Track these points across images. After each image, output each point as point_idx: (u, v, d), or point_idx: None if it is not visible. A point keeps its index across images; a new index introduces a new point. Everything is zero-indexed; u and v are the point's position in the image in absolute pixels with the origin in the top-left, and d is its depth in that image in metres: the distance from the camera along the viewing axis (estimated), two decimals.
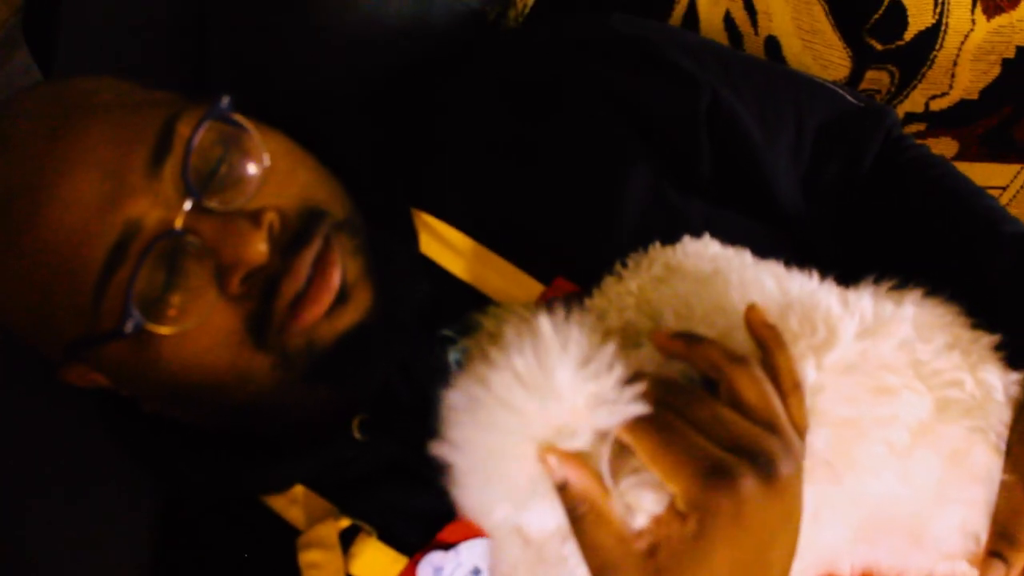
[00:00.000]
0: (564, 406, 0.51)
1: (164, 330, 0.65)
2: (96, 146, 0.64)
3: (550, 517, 0.53)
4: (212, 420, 0.74)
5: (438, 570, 0.69)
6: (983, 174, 1.09)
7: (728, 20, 1.00)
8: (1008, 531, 0.66)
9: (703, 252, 0.71)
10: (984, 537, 0.68)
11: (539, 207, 0.77)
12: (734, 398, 0.54)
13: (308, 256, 0.66)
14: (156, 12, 0.93)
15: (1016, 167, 1.10)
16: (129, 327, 0.64)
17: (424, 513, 0.70)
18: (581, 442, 0.52)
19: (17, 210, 0.64)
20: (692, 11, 0.98)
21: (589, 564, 0.52)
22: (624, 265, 0.71)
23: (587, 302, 0.71)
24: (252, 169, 0.66)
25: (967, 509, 0.67)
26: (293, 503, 0.73)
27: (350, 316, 0.67)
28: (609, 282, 0.71)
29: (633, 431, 0.52)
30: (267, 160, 0.67)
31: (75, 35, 0.92)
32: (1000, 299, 0.74)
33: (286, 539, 0.72)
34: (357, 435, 0.71)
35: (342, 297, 0.67)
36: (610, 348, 0.52)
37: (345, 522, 0.71)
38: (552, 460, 0.51)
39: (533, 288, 0.74)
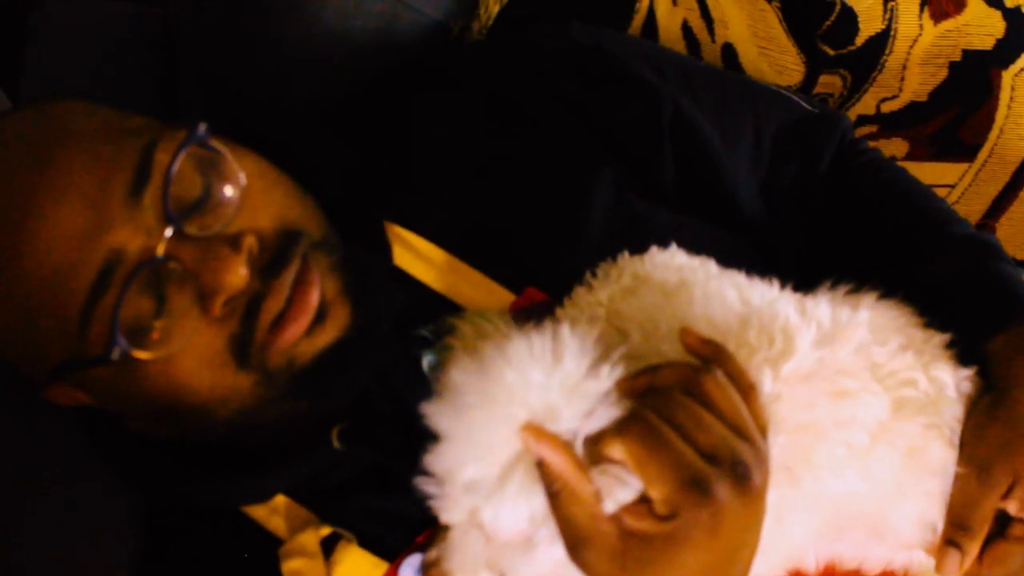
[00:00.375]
0: (553, 392, 0.55)
1: (149, 355, 0.66)
2: (77, 177, 0.65)
3: (521, 507, 0.56)
4: (195, 436, 0.75)
5: (419, 572, 0.71)
6: (933, 173, 1.12)
7: (686, 28, 1.02)
8: (962, 521, 0.70)
9: (670, 263, 0.73)
10: (940, 527, 0.72)
11: (508, 217, 0.79)
12: (707, 405, 0.56)
13: (287, 277, 0.67)
14: (122, 32, 0.94)
15: (964, 166, 1.14)
16: (116, 354, 0.65)
17: (404, 518, 0.72)
18: (563, 427, 0.55)
19: (4, 241, 0.65)
20: (651, 19, 1.01)
21: (564, 538, 0.55)
22: (594, 275, 0.74)
23: (558, 311, 0.73)
24: (229, 193, 0.68)
25: (924, 501, 0.71)
26: (274, 513, 0.74)
27: (329, 334, 0.69)
28: (579, 292, 0.73)
29: (622, 435, 0.54)
30: (243, 183, 0.68)
31: (42, 57, 0.92)
32: (950, 299, 0.78)
33: (268, 548, 0.73)
34: (336, 444, 0.73)
35: (320, 316, 0.68)
36: (612, 350, 0.56)
37: (326, 530, 0.72)
38: (532, 437, 0.54)
39: (504, 297, 0.76)
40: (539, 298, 0.75)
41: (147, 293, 0.65)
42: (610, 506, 0.55)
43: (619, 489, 0.55)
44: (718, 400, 0.57)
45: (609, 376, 0.56)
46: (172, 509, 0.78)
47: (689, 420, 0.55)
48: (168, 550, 0.78)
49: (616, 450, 0.54)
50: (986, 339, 0.75)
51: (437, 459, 0.58)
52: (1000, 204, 1.17)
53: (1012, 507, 0.70)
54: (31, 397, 0.73)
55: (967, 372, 0.72)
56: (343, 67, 0.88)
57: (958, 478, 0.70)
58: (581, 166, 0.80)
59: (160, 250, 0.65)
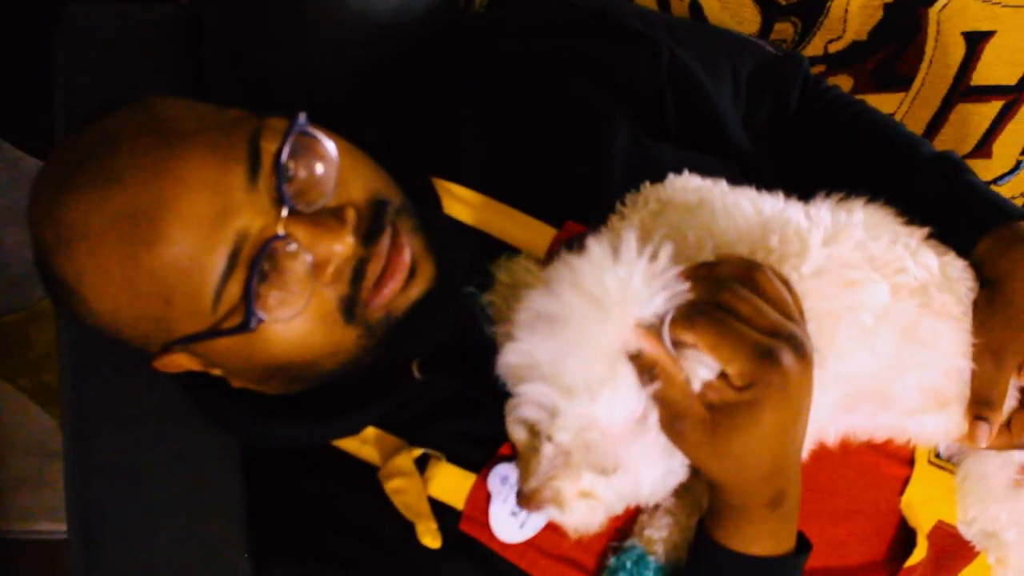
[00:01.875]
0: (638, 288, 0.63)
1: (277, 322, 0.74)
2: (198, 169, 0.72)
3: (631, 397, 0.65)
4: (300, 388, 0.83)
5: (504, 479, 0.81)
6: (875, 103, 1.23)
7: None
8: (984, 397, 0.81)
9: (687, 185, 0.84)
10: (944, 394, 0.83)
11: (540, 160, 0.88)
12: (762, 294, 0.67)
13: (385, 242, 0.76)
14: (146, 31, 1.00)
15: (901, 95, 1.28)
16: (254, 324, 0.73)
17: (483, 436, 0.82)
18: (650, 314, 0.64)
19: (139, 234, 0.71)
20: None
21: (662, 417, 0.65)
22: (623, 203, 0.84)
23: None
24: (323, 169, 0.76)
25: (921, 371, 0.82)
26: (365, 443, 0.84)
27: (419, 287, 0.78)
28: (614, 219, 0.83)
29: (693, 326, 0.64)
30: (336, 160, 0.76)
31: (72, 59, 0.97)
32: (932, 213, 0.86)
33: (363, 473, 0.83)
34: (417, 376, 0.82)
35: (412, 272, 0.78)
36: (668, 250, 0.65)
37: (417, 452, 0.82)
38: (632, 332, 0.63)
39: (547, 232, 0.86)
40: (578, 230, 0.85)
41: (270, 268, 0.73)
42: (696, 385, 0.65)
43: (701, 369, 0.65)
44: (770, 291, 0.67)
45: (675, 269, 0.65)
46: (267, 450, 0.87)
47: (750, 306, 0.65)
48: (272, 487, 0.86)
49: (689, 337, 0.64)
50: (972, 244, 0.86)
51: (541, 369, 0.65)
52: (934, 126, 1.32)
53: None
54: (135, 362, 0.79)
55: (949, 256, 0.84)
56: (367, 43, 0.96)
57: (976, 357, 0.81)
58: (599, 113, 0.90)
59: (279, 229, 0.73)
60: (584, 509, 0.70)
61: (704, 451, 0.67)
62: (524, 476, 0.71)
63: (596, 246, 0.65)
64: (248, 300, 0.73)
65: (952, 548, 0.90)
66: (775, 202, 0.81)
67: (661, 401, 0.65)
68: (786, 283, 0.71)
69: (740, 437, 0.66)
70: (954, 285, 0.83)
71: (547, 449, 0.68)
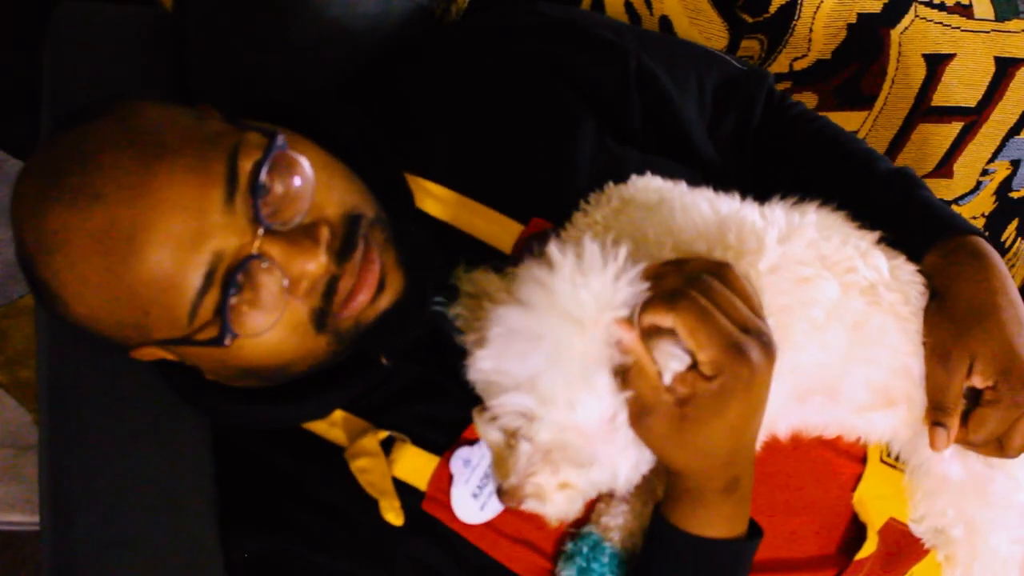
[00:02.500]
0: (604, 288, 0.67)
1: (250, 336, 0.78)
2: (178, 188, 0.74)
3: (604, 396, 0.68)
4: (268, 385, 0.86)
5: (467, 462, 0.84)
6: (839, 121, 1.26)
7: (627, 4, 1.18)
8: (939, 404, 0.85)
9: (649, 185, 0.88)
10: (891, 392, 0.87)
11: (509, 160, 0.92)
12: (731, 290, 0.70)
13: (356, 258, 0.80)
14: (131, 32, 1.03)
15: (864, 114, 1.32)
16: (228, 341, 0.77)
17: (447, 420, 0.85)
18: (624, 312, 0.67)
19: (118, 250, 0.74)
20: None
21: (631, 411, 0.68)
22: (587, 202, 0.88)
23: (561, 234, 0.87)
24: (301, 188, 0.79)
25: (869, 367, 0.86)
26: (333, 426, 0.87)
27: (387, 298, 0.82)
28: (577, 216, 0.87)
29: (675, 308, 0.67)
30: (311, 177, 0.79)
31: (61, 59, 1.00)
32: (886, 225, 0.89)
33: (329, 454, 0.86)
34: (384, 362, 0.85)
35: (381, 285, 0.81)
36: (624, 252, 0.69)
37: (383, 434, 0.85)
38: (615, 324, 0.67)
39: (513, 228, 0.90)
40: (544, 226, 0.89)
41: (244, 283, 0.76)
42: (667, 377, 0.69)
43: (672, 361, 0.69)
44: (738, 287, 0.71)
45: (638, 266, 0.69)
46: (237, 429, 0.89)
47: (724, 300, 0.69)
48: (241, 464, 0.89)
49: (668, 320, 0.67)
50: (922, 254, 0.90)
51: (519, 372, 0.68)
52: (896, 144, 1.36)
53: (977, 381, 0.85)
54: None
55: (899, 260, 0.88)
56: (345, 47, 1.00)
57: (927, 361, 0.85)
58: (566, 116, 0.94)
59: (254, 248, 0.76)
60: (563, 500, 0.74)
61: (669, 442, 0.70)
62: (502, 473, 0.74)
63: (563, 260, 0.68)
64: (223, 318, 0.76)
65: (903, 545, 0.94)
66: (731, 202, 0.85)
67: (632, 396, 0.68)
68: (748, 280, 0.74)
69: (704, 428, 0.69)
70: (903, 286, 0.87)
71: (524, 447, 0.72)
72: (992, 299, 0.87)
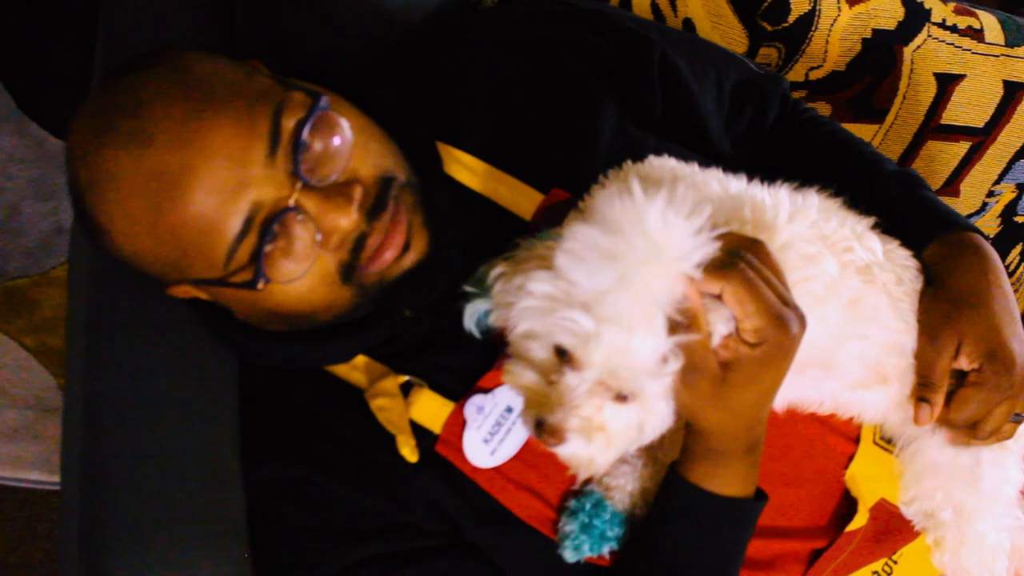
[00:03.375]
0: (690, 243, 0.70)
1: (282, 284, 0.83)
2: (224, 139, 0.79)
3: (662, 338, 0.71)
4: (295, 330, 0.91)
5: (480, 408, 0.88)
6: (851, 132, 1.35)
7: (654, 4, 1.24)
8: (925, 380, 0.90)
9: (664, 164, 0.92)
10: (883, 369, 0.91)
11: (534, 135, 0.97)
12: (766, 266, 0.74)
13: (385, 218, 0.85)
14: (179, 2, 1.09)
15: (875, 127, 1.38)
16: (261, 285, 0.82)
17: (463, 369, 0.90)
18: (693, 266, 0.71)
19: (165, 192, 0.79)
20: None
21: (685, 363, 0.71)
22: (606, 176, 0.92)
23: (580, 204, 0.91)
24: (338, 144, 0.84)
25: (862, 343, 0.90)
26: (354, 369, 0.92)
27: (411, 258, 0.87)
28: (595, 189, 0.91)
29: (726, 277, 0.71)
30: (349, 138, 0.84)
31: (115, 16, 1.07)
32: (886, 214, 0.94)
33: (351, 395, 0.91)
34: (406, 313, 0.90)
35: (406, 246, 0.86)
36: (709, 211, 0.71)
37: (401, 378, 0.90)
38: (681, 280, 0.70)
39: (534, 197, 0.95)
40: (563, 196, 0.94)
41: (279, 232, 0.82)
42: (716, 339, 0.73)
43: (720, 324, 0.73)
44: (771, 263, 0.75)
45: (718, 230, 0.72)
46: (263, 367, 0.94)
47: (765, 274, 0.73)
48: (265, 398, 0.94)
49: (717, 287, 0.71)
50: (922, 247, 0.95)
51: (579, 298, 0.70)
52: (905, 160, 1.41)
53: (963, 362, 0.89)
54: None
55: (894, 244, 0.93)
56: (385, 24, 1.06)
57: (919, 340, 0.89)
58: (590, 96, 1.00)
59: (291, 201, 0.81)
60: (598, 446, 0.76)
61: (707, 401, 0.75)
62: (545, 410, 0.75)
63: (656, 195, 0.70)
64: (258, 263, 0.81)
65: (893, 525, 0.98)
66: (739, 182, 0.90)
67: (685, 351, 0.71)
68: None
69: (741, 391, 0.74)
70: (897, 268, 0.92)
71: (570, 379, 0.73)
72: (985, 288, 0.91)
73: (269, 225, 0.81)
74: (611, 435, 0.76)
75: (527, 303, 0.73)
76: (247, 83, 0.84)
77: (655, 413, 0.76)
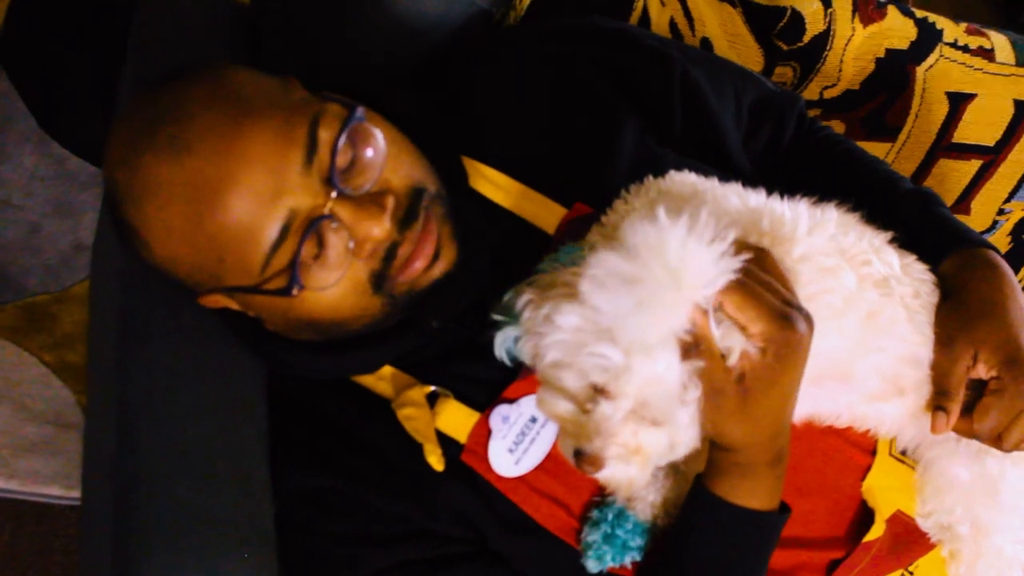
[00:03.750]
0: (710, 271, 0.72)
1: (315, 291, 0.84)
2: (263, 148, 0.81)
3: (672, 366, 0.72)
4: (324, 340, 0.92)
5: (505, 418, 0.90)
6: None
7: (672, 24, 1.26)
8: (942, 388, 0.90)
9: (685, 180, 0.94)
10: (900, 381, 0.92)
11: (557, 151, 0.99)
12: (770, 273, 0.76)
13: (417, 228, 0.87)
14: (212, 18, 1.12)
15: (888, 145, 1.39)
16: (295, 291, 0.84)
17: (488, 379, 0.91)
18: (707, 294, 0.72)
19: (203, 200, 0.81)
20: (645, 16, 1.24)
21: (704, 388, 0.73)
22: (627, 191, 0.94)
23: (602, 218, 0.93)
24: (373, 158, 0.86)
25: (879, 355, 0.91)
26: (381, 379, 0.93)
27: (440, 268, 0.89)
28: (618, 203, 0.93)
29: (725, 290, 0.72)
30: (383, 149, 0.86)
31: (145, 31, 1.09)
32: (903, 232, 0.95)
33: (377, 405, 0.92)
34: (433, 323, 0.92)
35: (436, 255, 0.88)
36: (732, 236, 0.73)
37: (427, 389, 0.91)
38: (697, 309, 0.72)
39: (557, 211, 0.97)
40: (586, 210, 0.96)
41: (313, 241, 0.83)
42: (733, 359, 0.74)
43: (735, 341, 0.74)
44: (776, 271, 0.77)
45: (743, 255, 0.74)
46: (291, 378, 0.96)
47: (764, 279, 0.75)
48: (293, 407, 0.95)
49: (717, 300, 0.73)
50: (939, 263, 0.96)
51: (603, 327, 0.71)
52: (917, 178, 1.42)
53: (981, 371, 0.90)
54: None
55: (911, 258, 0.94)
56: (408, 42, 1.09)
57: (935, 350, 0.90)
58: (612, 113, 1.02)
59: (326, 210, 0.83)
60: (636, 467, 0.77)
61: (732, 418, 0.76)
62: (583, 440, 0.76)
63: (678, 221, 0.72)
64: (294, 270, 0.83)
65: (909, 537, 0.98)
66: (758, 196, 0.91)
67: (701, 376, 0.73)
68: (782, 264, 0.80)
69: (762, 399, 0.76)
70: (914, 281, 0.93)
71: (605, 409, 0.75)
72: (1001, 300, 0.93)
73: (306, 233, 0.82)
74: (646, 456, 0.77)
75: (556, 336, 0.75)
76: (285, 95, 0.86)
77: (685, 432, 0.77)
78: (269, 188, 0.81)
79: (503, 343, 0.82)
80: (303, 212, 0.83)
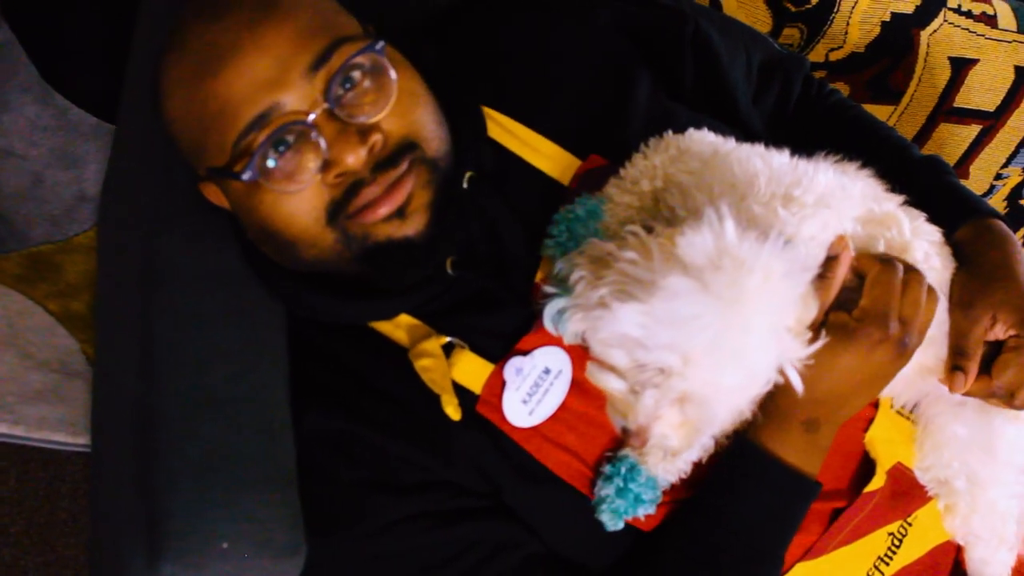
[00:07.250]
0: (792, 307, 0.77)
1: (268, 187, 0.86)
2: (278, 39, 0.84)
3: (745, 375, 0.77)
4: (290, 264, 0.94)
5: (519, 370, 0.91)
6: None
7: None
8: (959, 347, 0.93)
9: (703, 138, 0.95)
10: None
11: (572, 102, 1.00)
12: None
13: (391, 175, 0.87)
14: None
15: (891, 107, 1.41)
16: (247, 176, 0.85)
17: (503, 331, 0.93)
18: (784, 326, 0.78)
19: (209, 62, 0.85)
20: None
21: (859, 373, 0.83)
22: (647, 145, 0.95)
23: (621, 171, 0.94)
24: (378, 96, 0.87)
25: None
26: (397, 327, 0.94)
27: (402, 230, 0.89)
28: (637, 158, 0.94)
29: (879, 265, 0.82)
30: (393, 93, 0.87)
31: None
32: (917, 200, 0.98)
33: (395, 353, 0.93)
34: (449, 271, 0.93)
35: (400, 213, 0.88)
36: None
37: (443, 339, 0.92)
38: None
39: (572, 162, 0.98)
40: (600, 163, 0.97)
41: (289, 143, 0.85)
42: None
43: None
44: (923, 301, 0.85)
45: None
46: (310, 322, 0.97)
47: (910, 294, 0.83)
48: (312, 352, 0.96)
49: (870, 264, 0.82)
50: (953, 231, 0.99)
51: (673, 339, 0.75)
52: (918, 141, 1.45)
53: (999, 331, 0.93)
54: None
55: (921, 219, 0.96)
56: None
57: (950, 320, 0.94)
58: (627, 66, 1.03)
59: (310, 118, 0.84)
60: (683, 436, 0.81)
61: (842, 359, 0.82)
62: (631, 419, 0.80)
63: (757, 261, 0.75)
64: (253, 156, 0.85)
65: (907, 489, 1.01)
66: (780, 157, 0.92)
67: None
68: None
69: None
70: (924, 244, 0.94)
71: (648, 397, 0.78)
72: (1015, 264, 0.96)
73: (283, 127, 0.84)
74: (689, 428, 0.81)
75: (614, 328, 0.77)
76: (334, 11, 0.90)
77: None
78: (267, 75, 0.84)
79: (553, 314, 0.84)
80: (288, 110, 0.84)
